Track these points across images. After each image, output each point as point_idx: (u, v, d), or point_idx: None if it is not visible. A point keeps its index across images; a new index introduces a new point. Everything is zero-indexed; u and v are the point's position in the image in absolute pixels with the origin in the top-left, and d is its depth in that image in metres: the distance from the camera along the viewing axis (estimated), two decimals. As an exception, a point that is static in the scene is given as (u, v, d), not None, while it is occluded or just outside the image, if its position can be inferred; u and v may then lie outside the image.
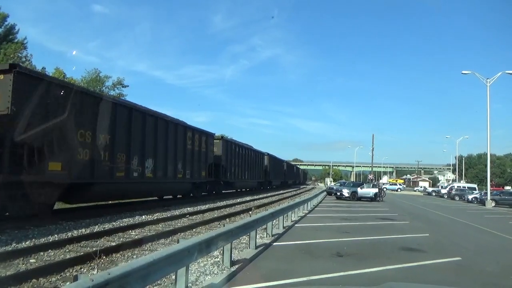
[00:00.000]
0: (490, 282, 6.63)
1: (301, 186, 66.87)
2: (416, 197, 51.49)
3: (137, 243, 8.14)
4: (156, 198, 19.56)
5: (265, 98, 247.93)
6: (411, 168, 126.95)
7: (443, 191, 53.88)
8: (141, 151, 15.00)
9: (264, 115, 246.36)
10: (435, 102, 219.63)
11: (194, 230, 10.71)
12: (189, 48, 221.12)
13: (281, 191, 39.85)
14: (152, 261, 3.86)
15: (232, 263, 6.58)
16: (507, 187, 75.54)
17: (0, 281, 5.05)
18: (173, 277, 4.98)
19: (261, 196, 28.23)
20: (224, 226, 6.95)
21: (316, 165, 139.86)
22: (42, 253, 6.96)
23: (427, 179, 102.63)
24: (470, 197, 40.65)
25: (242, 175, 30.15)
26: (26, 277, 5.29)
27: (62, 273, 5.72)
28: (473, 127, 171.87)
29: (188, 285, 5.13)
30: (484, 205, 33.43)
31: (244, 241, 8.87)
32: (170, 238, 9.24)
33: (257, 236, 8.65)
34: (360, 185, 35.05)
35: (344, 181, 55.42)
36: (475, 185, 55.26)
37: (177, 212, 14.80)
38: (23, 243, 7.73)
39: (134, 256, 7.13)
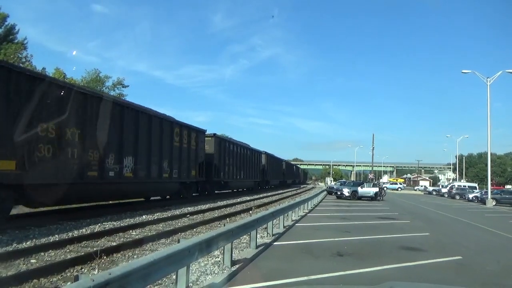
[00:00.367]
0: (490, 281, 6.63)
1: (301, 186, 66.94)
2: (417, 196, 51.51)
3: (137, 243, 8.15)
4: (142, 199, 18.25)
5: (265, 98, 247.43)
6: (412, 167, 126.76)
7: (444, 190, 54.00)
8: (119, 147, 13.58)
9: (264, 114, 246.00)
10: (435, 102, 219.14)
11: (194, 230, 10.72)
12: (189, 48, 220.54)
13: (280, 191, 39.41)
14: (153, 261, 3.87)
15: (233, 262, 6.59)
16: (508, 186, 75.68)
17: (1, 281, 5.06)
18: (174, 276, 4.99)
19: (260, 196, 28.11)
20: (224, 225, 6.96)
21: (316, 164, 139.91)
22: (42, 253, 6.96)
23: (427, 178, 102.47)
24: (470, 196, 40.70)
25: (237, 174, 29.31)
26: (27, 277, 5.29)
27: (63, 273, 5.73)
28: (473, 126, 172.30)
29: (189, 284, 5.14)
30: (485, 204, 33.43)
31: (245, 240, 8.88)
32: (171, 238, 9.25)
33: (258, 235, 8.66)
34: (361, 184, 34.98)
35: (344, 180, 55.37)
36: (475, 184, 55.16)
37: (177, 212, 14.81)
38: (24, 243, 7.74)
39: (135, 256, 7.14)
